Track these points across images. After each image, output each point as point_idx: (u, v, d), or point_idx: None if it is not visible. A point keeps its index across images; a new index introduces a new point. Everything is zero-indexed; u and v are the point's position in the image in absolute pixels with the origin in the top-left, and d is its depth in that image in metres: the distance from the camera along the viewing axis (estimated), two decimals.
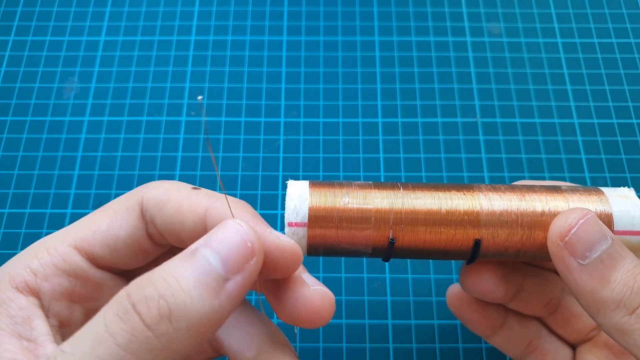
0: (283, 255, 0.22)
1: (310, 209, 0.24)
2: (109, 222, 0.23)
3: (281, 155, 0.40)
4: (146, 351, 0.17)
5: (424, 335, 0.34)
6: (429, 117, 0.41)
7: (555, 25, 0.45)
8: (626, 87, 0.42)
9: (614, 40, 0.44)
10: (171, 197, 0.23)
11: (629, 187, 0.25)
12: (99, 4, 0.46)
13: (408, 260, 0.36)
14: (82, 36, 0.44)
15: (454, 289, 0.30)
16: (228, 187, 0.39)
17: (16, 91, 0.42)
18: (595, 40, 0.44)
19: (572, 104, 0.42)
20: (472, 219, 0.24)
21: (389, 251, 0.24)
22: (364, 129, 0.41)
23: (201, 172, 0.39)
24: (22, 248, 0.37)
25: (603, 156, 0.40)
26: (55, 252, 0.23)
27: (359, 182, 0.25)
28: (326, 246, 0.24)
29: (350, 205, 0.24)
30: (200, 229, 0.23)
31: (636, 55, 0.44)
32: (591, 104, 0.42)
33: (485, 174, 0.39)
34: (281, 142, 0.40)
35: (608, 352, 0.28)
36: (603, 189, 0.25)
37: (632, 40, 0.44)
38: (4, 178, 0.39)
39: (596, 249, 0.22)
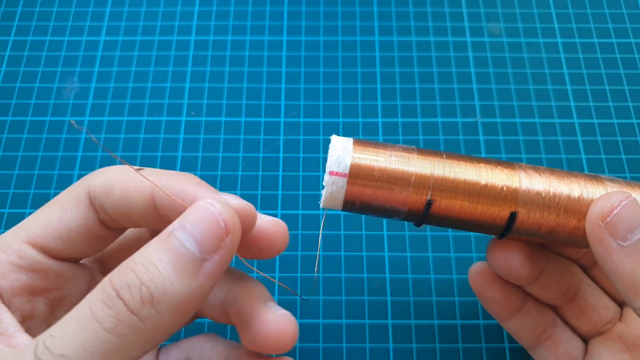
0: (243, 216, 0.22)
1: (352, 160, 0.24)
2: (59, 215, 0.24)
3: (281, 155, 0.40)
4: (132, 333, 0.18)
5: (424, 335, 0.34)
6: (429, 117, 0.41)
7: (555, 25, 0.45)
8: (626, 87, 0.42)
9: (614, 40, 0.44)
10: (117, 182, 0.24)
11: None
12: (99, 4, 0.46)
13: (408, 260, 0.36)
14: (82, 36, 0.44)
15: (478, 266, 0.30)
16: (228, 187, 0.39)
17: (16, 91, 0.42)
18: (595, 40, 0.44)
19: (572, 104, 0.42)
20: (510, 194, 0.24)
21: (424, 214, 0.24)
22: (364, 129, 0.41)
23: (201, 172, 0.39)
24: None
25: (603, 156, 0.40)
26: (10, 249, 0.23)
27: (402, 145, 0.25)
28: (363, 201, 0.24)
29: (392, 165, 0.24)
30: (150, 209, 0.23)
31: (636, 55, 0.44)
32: (591, 104, 0.42)
33: None
34: (281, 142, 0.40)
35: (621, 346, 0.28)
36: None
37: (632, 40, 0.44)
38: (4, 178, 0.39)
39: (638, 230, 0.22)
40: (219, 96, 0.42)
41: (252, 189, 0.39)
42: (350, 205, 0.24)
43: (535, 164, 0.39)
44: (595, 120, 0.41)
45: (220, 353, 0.27)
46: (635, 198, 0.22)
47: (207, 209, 0.20)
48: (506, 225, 0.24)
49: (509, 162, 0.25)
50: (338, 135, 0.27)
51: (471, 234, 0.37)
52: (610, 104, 0.42)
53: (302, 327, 0.34)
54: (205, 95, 0.42)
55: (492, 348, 0.34)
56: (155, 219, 0.24)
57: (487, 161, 0.25)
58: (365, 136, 0.40)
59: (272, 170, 0.39)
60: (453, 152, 0.25)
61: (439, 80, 0.43)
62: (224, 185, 0.39)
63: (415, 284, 0.36)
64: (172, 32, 0.45)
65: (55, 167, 0.39)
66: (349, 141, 0.25)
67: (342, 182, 0.24)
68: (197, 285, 0.19)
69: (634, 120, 0.41)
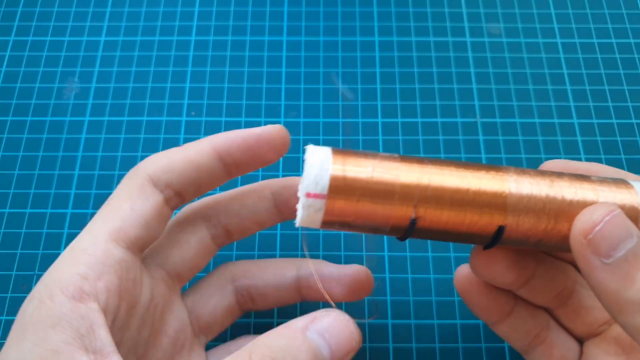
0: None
1: (332, 180, 0.22)
2: (130, 206, 0.24)
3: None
4: None
5: (424, 335, 0.34)
6: (429, 117, 0.41)
7: (555, 25, 0.45)
8: (626, 88, 0.42)
9: (613, 40, 0.44)
10: (174, 157, 0.25)
11: None
12: (99, 5, 0.46)
13: (408, 259, 0.36)
14: (83, 36, 0.45)
15: (463, 270, 0.29)
16: (229, 187, 0.39)
17: (16, 91, 0.42)
18: (595, 40, 0.44)
19: (571, 104, 0.42)
20: (499, 203, 0.22)
21: (409, 230, 0.22)
22: (363, 129, 0.41)
23: None
24: (23, 248, 0.37)
25: (603, 156, 0.40)
26: (96, 251, 0.22)
27: (383, 153, 0.23)
28: (343, 221, 0.22)
29: (375, 180, 0.22)
30: (216, 163, 0.26)
31: (636, 56, 0.44)
32: (591, 104, 0.42)
33: None
34: None
35: (617, 348, 0.27)
36: (632, 182, 0.24)
37: (632, 41, 0.44)
38: (5, 178, 0.39)
39: (621, 247, 0.20)
40: (219, 96, 0.42)
41: None
42: (329, 225, 0.23)
43: (535, 164, 0.39)
44: (595, 121, 0.41)
45: (288, 265, 0.29)
46: (620, 212, 0.21)
47: (343, 322, 0.22)
48: (493, 238, 0.23)
49: (497, 167, 0.24)
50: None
51: None
52: (610, 104, 0.42)
53: None
54: (205, 96, 0.42)
55: (492, 348, 0.34)
56: (222, 174, 0.26)
57: (474, 167, 0.23)
58: (365, 136, 0.40)
59: (272, 170, 0.39)
60: (434, 157, 0.24)
61: (439, 80, 0.43)
62: (225, 186, 0.39)
63: (415, 284, 0.36)
64: (173, 33, 0.45)
65: (56, 167, 0.39)
66: (327, 155, 0.22)
67: (320, 204, 0.22)
68: None
69: (634, 121, 0.41)
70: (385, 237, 0.37)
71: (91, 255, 0.22)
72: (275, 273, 0.29)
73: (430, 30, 0.45)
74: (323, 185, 0.21)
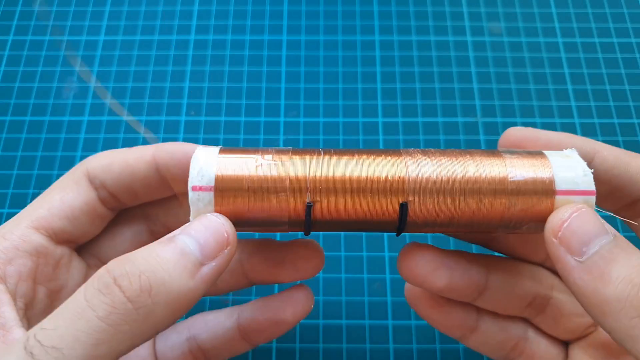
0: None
1: (218, 171, 0.22)
2: (60, 197, 0.25)
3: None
4: (125, 323, 0.18)
5: (425, 336, 0.34)
6: (430, 116, 0.41)
7: (556, 24, 0.45)
8: (627, 87, 0.42)
9: (614, 39, 0.44)
10: (115, 157, 0.25)
11: None
12: (98, 4, 0.46)
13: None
14: (82, 36, 0.44)
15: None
16: None
17: (15, 91, 0.42)
18: (596, 39, 0.44)
19: (572, 103, 0.41)
20: (397, 185, 0.22)
21: (307, 220, 0.22)
22: (364, 128, 0.40)
23: None
24: None
25: None
26: (13, 235, 0.23)
27: (276, 147, 0.23)
28: (236, 215, 0.22)
29: (263, 170, 0.22)
30: (153, 174, 0.25)
31: (637, 55, 0.43)
32: (592, 103, 0.41)
33: None
34: (281, 142, 0.40)
35: (604, 352, 0.26)
36: (546, 151, 0.23)
37: (633, 40, 0.44)
38: (3, 178, 0.39)
39: (594, 243, 0.20)
40: (218, 96, 0.42)
41: None
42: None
43: None
44: (596, 120, 0.41)
45: (227, 314, 0.28)
46: (589, 209, 0.21)
47: (213, 219, 0.21)
48: (400, 219, 0.22)
49: (396, 150, 0.23)
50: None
51: None
52: (611, 103, 0.41)
53: (302, 328, 0.34)
54: (204, 95, 0.42)
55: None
56: (158, 185, 0.25)
57: (370, 152, 0.23)
58: (365, 136, 0.40)
59: None
60: (338, 148, 0.24)
61: (440, 79, 0.42)
62: None
63: None
64: (172, 32, 0.44)
65: (55, 167, 0.39)
66: (213, 150, 0.23)
67: (209, 196, 0.22)
68: (193, 285, 0.20)
69: (635, 120, 0.41)
70: (384, 238, 0.37)
71: (7, 240, 0.23)
72: None
73: (431, 29, 0.45)
74: (208, 177, 0.22)
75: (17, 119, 0.41)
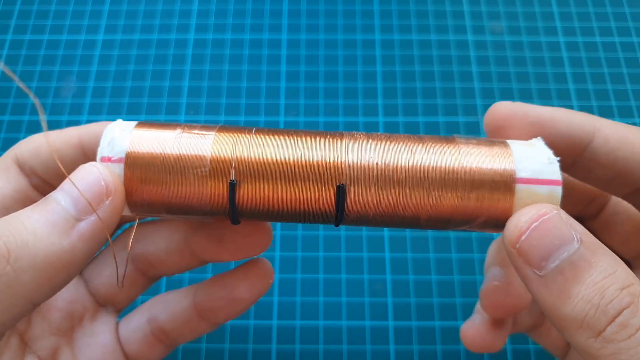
0: None
1: (131, 145, 0.19)
2: None
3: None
4: None
5: (425, 337, 0.34)
6: (430, 116, 0.41)
7: (557, 24, 0.45)
8: (629, 87, 0.42)
9: (616, 39, 0.44)
10: (43, 142, 0.23)
11: None
12: (97, 3, 0.46)
13: (409, 261, 0.36)
14: (80, 35, 0.44)
15: (469, 334, 0.27)
16: None
17: (14, 90, 0.42)
18: (598, 39, 0.44)
19: (574, 103, 0.41)
20: (334, 171, 0.20)
21: (232, 203, 0.20)
22: (364, 128, 0.40)
23: None
24: None
25: None
26: None
27: (204, 124, 0.21)
28: (151, 195, 0.20)
29: (180, 147, 0.19)
30: (79, 157, 0.23)
31: (639, 54, 0.43)
32: (594, 103, 0.41)
33: None
34: None
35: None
36: (508, 140, 0.21)
37: (635, 39, 0.44)
38: None
39: (554, 257, 0.18)
40: (217, 95, 0.42)
41: None
42: (136, 205, 0.20)
43: None
44: None
45: (185, 293, 0.27)
46: (555, 214, 0.18)
47: (88, 169, 0.19)
48: (337, 205, 0.20)
49: (338, 132, 0.21)
50: None
51: (472, 234, 0.37)
52: (613, 103, 0.41)
53: (302, 328, 0.34)
54: (204, 94, 0.42)
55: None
56: None
57: (309, 133, 0.20)
58: None
59: None
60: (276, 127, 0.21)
61: (441, 79, 0.42)
62: None
63: (416, 285, 0.35)
64: (171, 31, 0.44)
65: None
66: (130, 124, 0.20)
67: (118, 169, 0.19)
68: (68, 244, 0.18)
69: (637, 120, 0.41)
70: (385, 238, 0.37)
71: None
72: (163, 237, 0.27)
73: (432, 28, 0.44)
74: (119, 149, 0.19)
75: (16, 118, 0.41)
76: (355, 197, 0.20)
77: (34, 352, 0.24)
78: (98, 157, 0.20)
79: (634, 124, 0.40)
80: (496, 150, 0.20)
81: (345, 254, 0.36)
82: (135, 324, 0.27)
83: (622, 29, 0.44)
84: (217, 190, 0.20)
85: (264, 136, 0.20)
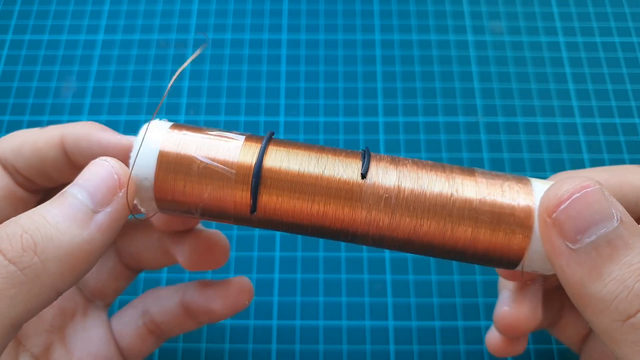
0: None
1: (163, 144, 0.21)
2: None
3: None
4: (11, 286, 0.17)
5: (425, 337, 0.34)
6: (430, 116, 0.41)
7: (557, 24, 0.45)
8: (629, 87, 0.42)
9: (616, 39, 0.44)
10: (26, 140, 0.24)
11: None
12: (97, 3, 0.45)
13: (409, 261, 0.36)
14: (80, 35, 0.44)
15: (493, 342, 0.28)
16: None
17: (14, 91, 0.42)
18: (598, 39, 0.44)
19: (574, 103, 0.41)
20: (353, 191, 0.20)
21: (254, 194, 0.20)
22: (364, 128, 0.40)
23: None
24: None
25: (605, 156, 0.39)
26: None
27: (234, 131, 0.22)
28: (177, 195, 0.21)
29: (210, 153, 0.20)
30: (62, 157, 0.23)
31: (639, 54, 0.43)
32: (593, 103, 0.41)
33: None
34: None
35: None
36: (531, 179, 0.21)
37: (635, 39, 0.44)
38: None
39: (592, 231, 0.17)
40: (217, 95, 0.42)
41: None
42: (161, 202, 0.21)
43: (538, 164, 0.39)
44: (598, 120, 0.41)
45: (175, 290, 0.28)
46: (598, 188, 0.18)
47: (100, 164, 0.20)
48: (363, 162, 0.20)
49: (356, 152, 0.21)
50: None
51: None
52: (613, 103, 0.41)
53: (302, 328, 0.34)
54: (204, 94, 0.42)
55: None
56: (69, 169, 0.24)
57: (331, 151, 0.21)
58: (366, 136, 0.40)
59: None
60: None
61: (441, 79, 0.42)
62: None
63: (416, 285, 0.35)
64: (171, 31, 0.44)
65: None
66: (165, 123, 0.22)
67: (150, 168, 0.20)
68: (88, 235, 0.19)
69: (637, 120, 0.41)
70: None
71: None
72: (143, 236, 0.28)
73: (432, 28, 0.44)
74: (153, 147, 0.21)
75: (15, 118, 0.41)
76: (372, 220, 0.20)
77: (27, 350, 0.24)
78: (133, 152, 0.21)
79: (634, 124, 0.40)
80: (518, 187, 0.20)
81: (345, 254, 0.36)
82: (128, 317, 0.28)
83: (622, 29, 0.44)
84: (242, 195, 0.20)
85: (289, 149, 0.21)
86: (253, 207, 0.21)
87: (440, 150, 0.39)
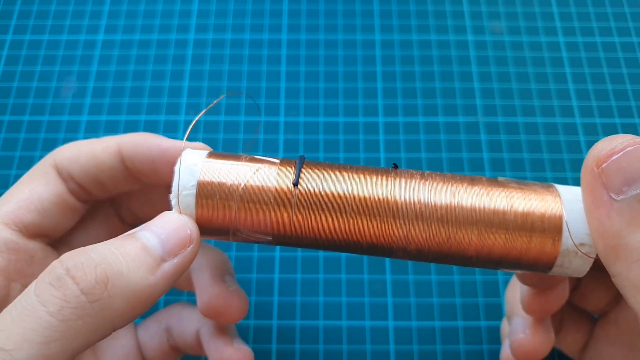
0: None
1: (202, 174, 0.21)
2: (29, 190, 0.24)
3: (281, 155, 0.39)
4: (78, 317, 0.17)
5: (425, 337, 0.34)
6: (430, 116, 0.41)
7: (557, 24, 0.45)
8: (629, 87, 0.42)
9: (616, 39, 0.44)
10: (82, 149, 0.24)
11: None
12: (97, 3, 0.45)
13: (409, 261, 0.36)
14: (80, 35, 0.44)
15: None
16: None
17: (14, 90, 0.42)
18: (598, 39, 0.44)
19: (574, 103, 0.41)
20: (388, 208, 0.21)
21: (297, 174, 0.21)
22: (364, 128, 0.40)
23: None
24: None
25: None
26: None
27: (266, 156, 0.23)
28: (216, 222, 0.22)
29: (247, 180, 0.21)
30: (119, 165, 0.24)
31: (639, 54, 0.43)
32: (593, 103, 0.41)
33: (487, 174, 0.39)
34: (281, 142, 0.40)
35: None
36: (557, 186, 0.22)
37: (635, 39, 0.44)
38: (2, 178, 0.39)
39: (638, 185, 0.17)
40: (217, 95, 0.42)
41: None
42: (202, 229, 0.22)
43: (538, 164, 0.39)
44: (598, 120, 0.41)
45: (197, 317, 0.28)
46: None
47: (174, 215, 0.21)
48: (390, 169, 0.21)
49: (395, 170, 0.22)
50: None
51: None
52: (613, 103, 0.41)
53: (302, 328, 0.34)
54: (204, 94, 0.42)
55: (494, 349, 0.34)
56: (125, 177, 0.25)
57: (364, 171, 0.22)
58: (366, 136, 0.40)
59: None
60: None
61: (441, 79, 0.42)
62: None
63: (416, 285, 0.35)
64: (171, 31, 0.44)
65: None
66: (202, 153, 0.22)
67: (190, 196, 0.21)
68: (153, 281, 0.19)
69: (637, 120, 0.41)
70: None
71: None
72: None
73: (432, 28, 0.44)
74: (192, 178, 0.21)
75: (15, 118, 0.41)
76: (408, 234, 0.21)
77: None
78: (173, 185, 0.21)
79: (634, 124, 0.40)
80: (546, 194, 0.21)
81: (345, 254, 0.36)
82: (154, 330, 0.28)
83: (622, 29, 0.44)
84: (279, 218, 0.21)
85: (322, 171, 0.22)
86: (296, 180, 0.21)
87: (440, 150, 0.39)
